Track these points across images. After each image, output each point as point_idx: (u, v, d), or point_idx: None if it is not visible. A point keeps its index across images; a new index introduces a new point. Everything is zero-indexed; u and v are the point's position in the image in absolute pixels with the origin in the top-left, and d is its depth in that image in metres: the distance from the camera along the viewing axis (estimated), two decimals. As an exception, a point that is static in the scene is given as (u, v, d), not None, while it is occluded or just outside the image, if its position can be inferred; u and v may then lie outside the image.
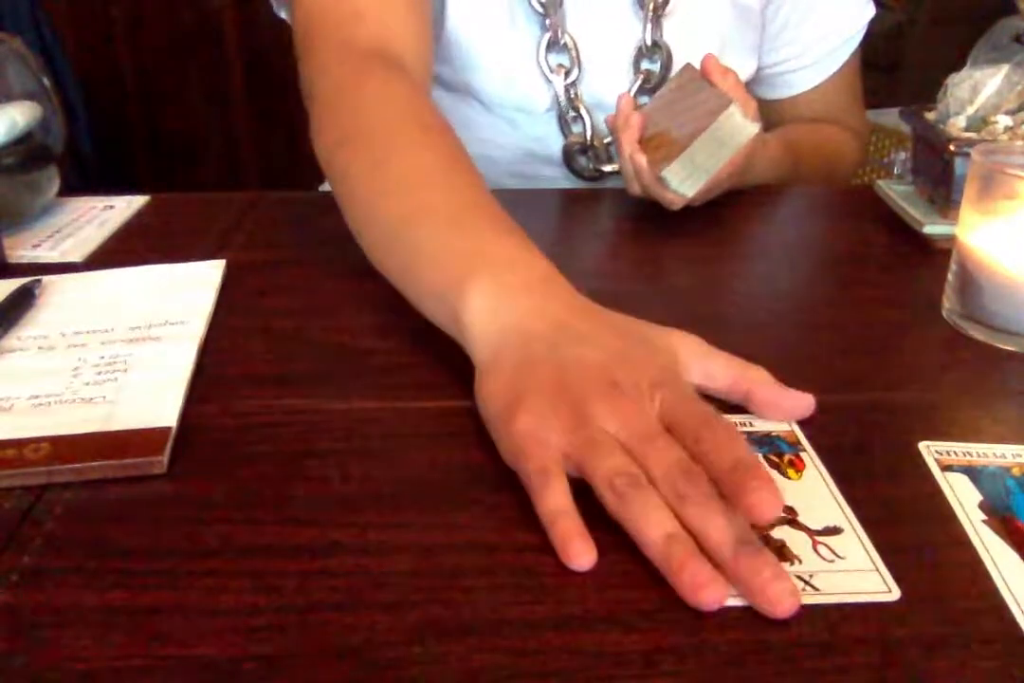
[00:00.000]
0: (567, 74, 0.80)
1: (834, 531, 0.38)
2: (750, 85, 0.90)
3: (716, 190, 0.70)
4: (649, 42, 0.80)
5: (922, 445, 0.44)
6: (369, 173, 0.57)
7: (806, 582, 0.35)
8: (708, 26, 0.83)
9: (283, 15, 0.78)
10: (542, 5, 0.77)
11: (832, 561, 0.37)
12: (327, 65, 0.65)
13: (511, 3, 0.78)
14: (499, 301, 0.46)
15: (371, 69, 0.63)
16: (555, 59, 0.80)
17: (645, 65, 0.82)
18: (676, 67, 0.79)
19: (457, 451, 0.44)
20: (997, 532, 0.38)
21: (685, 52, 0.80)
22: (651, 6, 0.79)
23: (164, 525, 0.38)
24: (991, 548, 0.37)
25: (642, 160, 0.67)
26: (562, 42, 0.79)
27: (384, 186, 0.56)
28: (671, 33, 0.81)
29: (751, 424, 0.46)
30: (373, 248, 0.56)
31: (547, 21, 0.78)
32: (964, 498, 0.40)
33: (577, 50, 0.79)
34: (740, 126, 0.65)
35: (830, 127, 0.93)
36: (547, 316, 0.45)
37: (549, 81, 0.80)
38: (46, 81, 0.69)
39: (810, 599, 0.35)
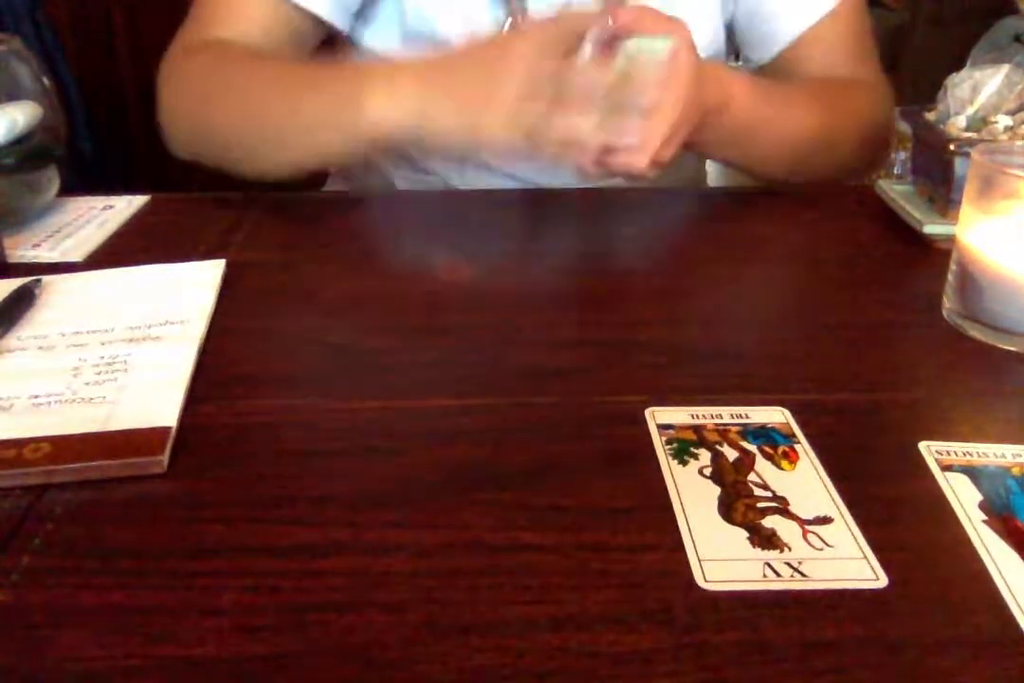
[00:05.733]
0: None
1: (824, 521, 0.39)
2: (740, 47, 0.88)
3: (680, 135, 0.63)
4: None
5: (922, 445, 0.44)
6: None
7: (795, 569, 0.36)
8: None
9: None
10: None
11: (821, 549, 0.37)
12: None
13: None
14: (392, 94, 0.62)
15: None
16: None
17: None
18: None
19: (457, 451, 0.44)
20: (997, 532, 0.38)
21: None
22: None
23: (164, 525, 0.38)
24: (991, 548, 0.37)
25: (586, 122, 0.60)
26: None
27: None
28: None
29: (747, 416, 0.46)
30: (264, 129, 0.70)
31: (510, 5, 0.77)
32: (964, 498, 0.40)
33: None
34: (645, 44, 0.60)
35: (830, 78, 0.82)
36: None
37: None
38: (46, 81, 0.69)
39: (799, 586, 0.35)
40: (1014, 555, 0.37)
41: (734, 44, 0.90)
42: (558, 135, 0.59)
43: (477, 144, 0.63)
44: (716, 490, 0.41)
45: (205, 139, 0.74)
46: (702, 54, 0.82)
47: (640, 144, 0.60)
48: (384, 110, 0.62)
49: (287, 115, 0.68)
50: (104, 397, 0.46)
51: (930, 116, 0.69)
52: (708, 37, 0.84)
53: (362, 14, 0.82)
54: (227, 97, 0.71)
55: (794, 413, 0.46)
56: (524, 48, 0.60)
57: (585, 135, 0.59)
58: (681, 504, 0.40)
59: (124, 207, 0.73)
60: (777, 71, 0.86)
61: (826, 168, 0.79)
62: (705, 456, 0.43)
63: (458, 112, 0.61)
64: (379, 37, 0.83)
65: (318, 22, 0.77)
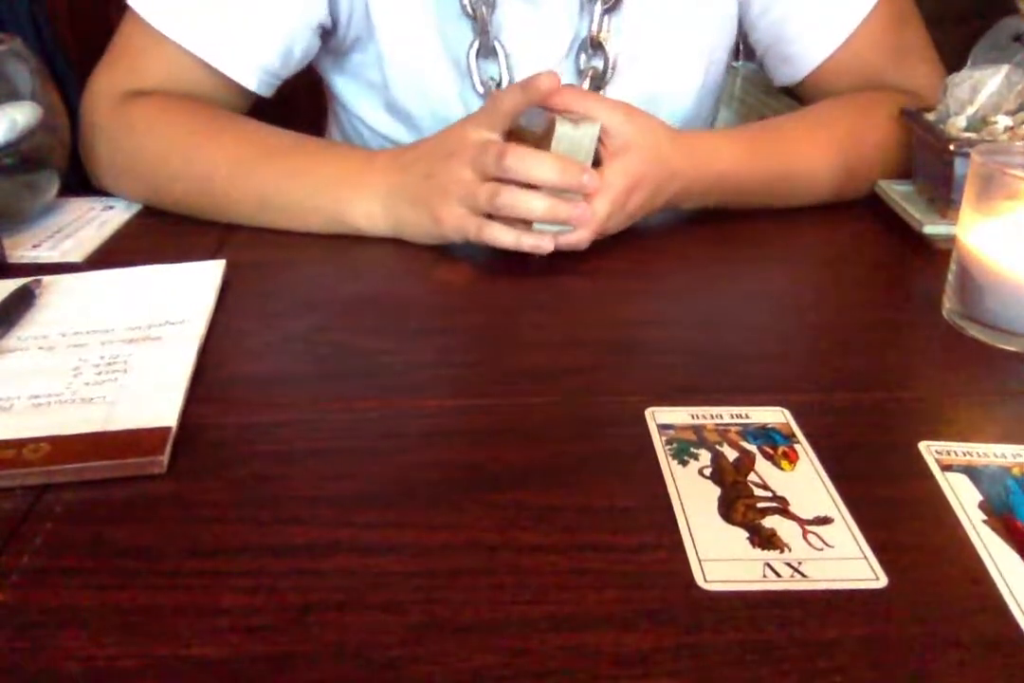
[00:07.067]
0: (498, 86, 0.77)
1: (824, 521, 0.39)
2: (764, 70, 0.84)
3: (630, 208, 0.63)
4: (591, 38, 0.75)
5: (922, 445, 0.44)
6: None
7: (795, 569, 0.36)
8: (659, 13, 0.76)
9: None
10: (472, 12, 0.74)
11: (821, 549, 0.37)
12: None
13: (437, 15, 0.75)
14: (365, 203, 0.65)
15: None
16: (485, 68, 0.76)
17: (592, 63, 0.77)
18: (620, 65, 0.77)
19: (457, 451, 0.44)
20: (997, 532, 0.38)
21: (628, 47, 0.77)
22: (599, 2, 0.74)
23: (164, 525, 0.38)
24: (991, 548, 0.37)
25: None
26: (491, 44, 0.75)
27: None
28: (615, 28, 0.76)
29: (747, 416, 0.46)
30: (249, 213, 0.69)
31: (476, 26, 0.74)
32: (964, 498, 0.40)
33: (508, 60, 0.76)
34: (571, 134, 0.59)
35: (856, 95, 0.77)
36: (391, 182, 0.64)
37: (481, 96, 0.78)
38: (46, 81, 0.69)
39: (799, 586, 0.35)
40: (1014, 555, 0.37)
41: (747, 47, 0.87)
42: (509, 213, 0.59)
43: (443, 235, 0.63)
44: (716, 490, 0.41)
45: (160, 205, 0.72)
46: (713, 58, 0.81)
47: (581, 224, 0.60)
48: (361, 223, 0.66)
49: (259, 200, 0.68)
50: (104, 397, 0.46)
51: (930, 116, 0.69)
52: (724, 39, 0.82)
53: (344, 72, 0.83)
54: (187, 170, 0.69)
55: (794, 413, 0.46)
56: (472, 134, 0.61)
57: (534, 211, 0.58)
58: (681, 504, 0.40)
59: (124, 208, 0.73)
60: (807, 90, 0.82)
61: (868, 184, 0.75)
62: (705, 456, 0.43)
63: (425, 214, 0.63)
64: (361, 100, 0.83)
65: (247, 91, 0.74)
